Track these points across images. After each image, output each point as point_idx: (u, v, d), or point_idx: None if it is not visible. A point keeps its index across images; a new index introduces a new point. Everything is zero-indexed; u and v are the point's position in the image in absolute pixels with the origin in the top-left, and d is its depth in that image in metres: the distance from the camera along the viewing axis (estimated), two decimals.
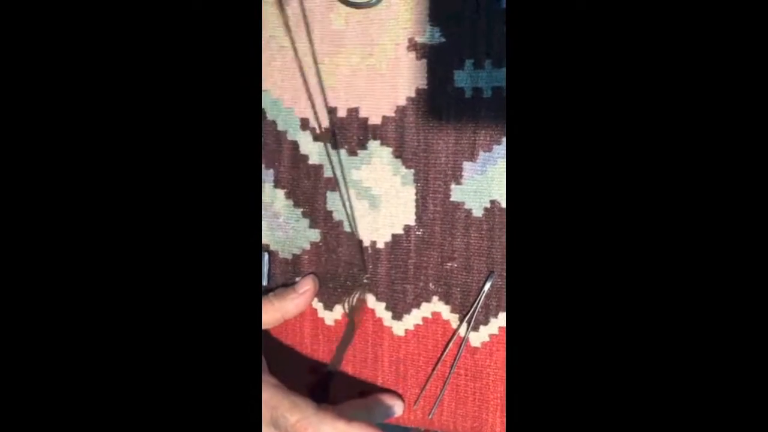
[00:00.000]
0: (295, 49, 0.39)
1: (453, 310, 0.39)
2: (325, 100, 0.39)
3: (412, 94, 0.38)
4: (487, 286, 0.37)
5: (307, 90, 0.39)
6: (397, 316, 0.40)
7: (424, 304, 0.39)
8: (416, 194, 0.38)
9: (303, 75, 0.39)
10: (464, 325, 0.38)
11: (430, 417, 0.40)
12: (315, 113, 0.39)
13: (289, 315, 0.40)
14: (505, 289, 0.37)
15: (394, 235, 0.39)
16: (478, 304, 0.38)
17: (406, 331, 0.40)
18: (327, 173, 0.40)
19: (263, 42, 0.39)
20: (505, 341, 0.38)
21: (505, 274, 0.37)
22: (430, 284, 0.39)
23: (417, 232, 0.39)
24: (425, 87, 0.37)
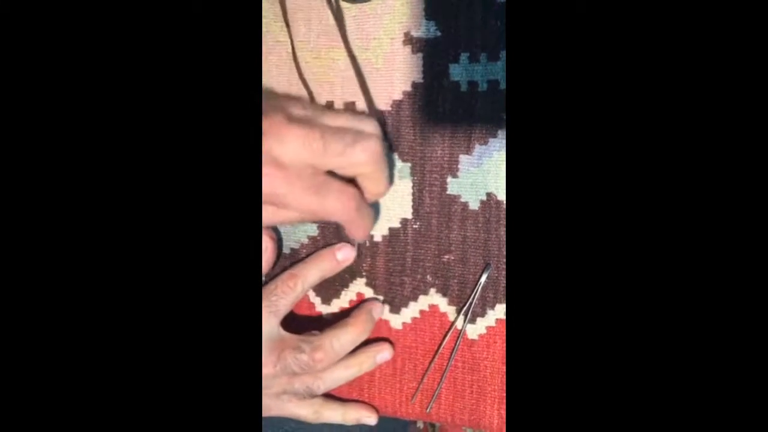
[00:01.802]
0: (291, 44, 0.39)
1: (450, 303, 0.39)
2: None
3: (408, 88, 0.38)
4: (484, 278, 0.38)
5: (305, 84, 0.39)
6: (395, 309, 0.40)
7: (421, 297, 0.39)
8: (413, 187, 0.39)
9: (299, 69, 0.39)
10: (461, 317, 0.39)
11: (427, 411, 0.40)
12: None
13: None
14: (501, 281, 0.38)
15: (391, 229, 0.39)
16: (474, 296, 0.38)
17: (404, 324, 0.40)
18: None
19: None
20: (501, 333, 0.38)
21: (501, 266, 0.38)
22: (428, 277, 0.39)
23: (414, 225, 0.39)
24: (421, 81, 0.37)
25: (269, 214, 0.34)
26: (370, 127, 0.34)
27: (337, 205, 0.32)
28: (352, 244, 0.40)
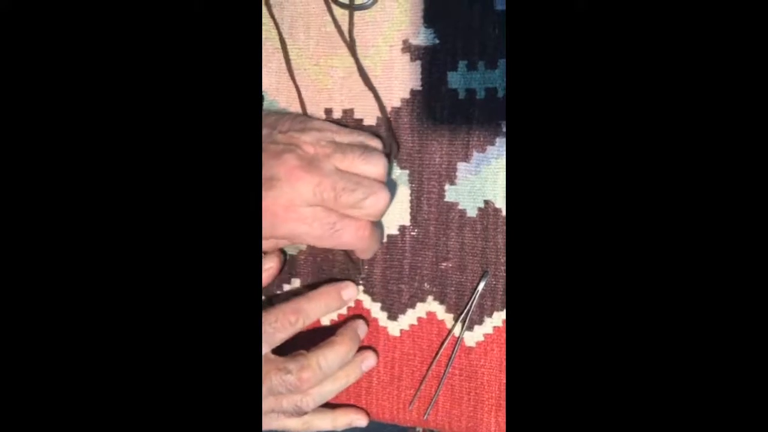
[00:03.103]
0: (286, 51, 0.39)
1: (448, 310, 0.39)
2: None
3: (407, 96, 0.38)
4: (481, 285, 0.38)
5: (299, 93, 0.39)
6: (393, 316, 0.40)
7: (419, 304, 0.39)
8: (411, 195, 0.39)
9: (293, 77, 0.39)
10: (459, 324, 0.39)
11: (425, 418, 0.40)
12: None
13: None
14: (498, 289, 0.38)
15: (389, 236, 0.39)
16: (472, 303, 0.38)
17: (401, 331, 0.40)
18: None
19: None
20: (499, 341, 0.38)
21: (498, 273, 0.38)
22: (425, 284, 0.39)
23: (412, 233, 0.39)
24: (419, 88, 0.38)
25: (272, 244, 0.36)
26: (379, 166, 0.35)
27: (353, 239, 0.35)
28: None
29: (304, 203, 0.33)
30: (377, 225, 0.37)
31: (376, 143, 0.37)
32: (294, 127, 0.36)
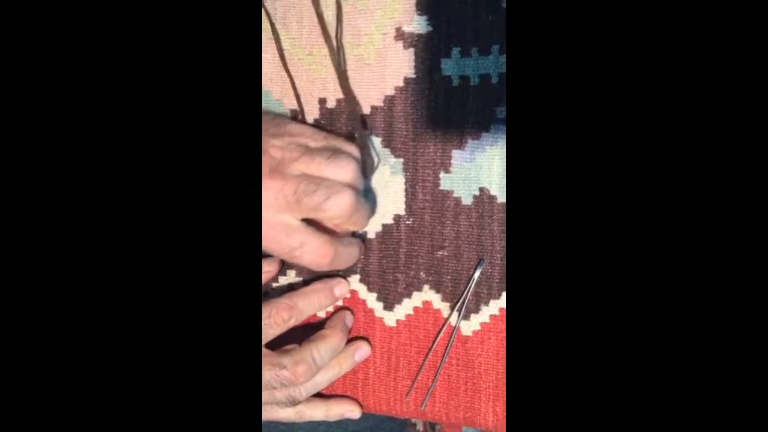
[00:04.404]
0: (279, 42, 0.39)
1: (444, 299, 0.39)
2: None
3: (400, 84, 0.38)
4: (477, 273, 0.37)
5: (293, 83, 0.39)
6: (389, 306, 0.40)
7: (415, 294, 0.39)
8: (405, 183, 0.38)
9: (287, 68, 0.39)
10: (455, 314, 0.38)
11: (422, 408, 0.40)
12: (300, 105, 0.39)
13: None
14: (494, 277, 0.37)
15: (384, 225, 0.39)
16: (468, 292, 0.38)
17: (398, 321, 0.40)
18: None
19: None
20: (495, 329, 0.38)
21: (494, 261, 0.37)
22: (421, 273, 0.39)
23: (407, 222, 0.39)
24: (413, 76, 0.37)
25: None
26: (347, 169, 0.34)
27: (313, 264, 0.35)
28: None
29: (267, 211, 0.32)
30: (348, 245, 0.37)
31: (350, 148, 0.36)
32: (268, 130, 0.35)
